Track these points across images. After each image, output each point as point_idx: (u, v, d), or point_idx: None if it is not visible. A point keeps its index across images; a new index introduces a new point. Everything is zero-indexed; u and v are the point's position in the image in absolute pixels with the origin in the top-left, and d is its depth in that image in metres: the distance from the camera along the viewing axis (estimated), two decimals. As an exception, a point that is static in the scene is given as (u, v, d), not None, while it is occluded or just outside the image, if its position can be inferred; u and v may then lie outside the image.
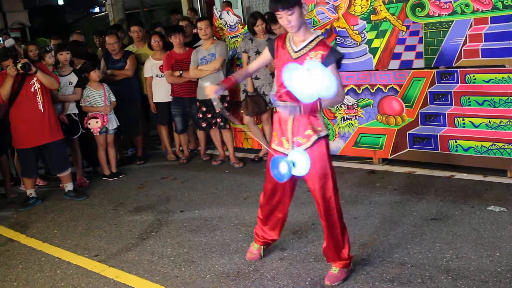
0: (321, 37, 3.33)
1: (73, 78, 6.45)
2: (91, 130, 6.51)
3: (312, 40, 3.30)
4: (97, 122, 6.47)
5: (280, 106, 3.32)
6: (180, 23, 7.71)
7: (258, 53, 6.33)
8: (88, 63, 6.78)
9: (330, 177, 3.43)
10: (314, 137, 3.37)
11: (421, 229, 4.15)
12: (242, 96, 6.59)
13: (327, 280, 3.50)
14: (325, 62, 3.20)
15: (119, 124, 6.70)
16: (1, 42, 8.48)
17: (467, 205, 4.54)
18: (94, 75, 6.48)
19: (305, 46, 3.30)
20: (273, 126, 3.64)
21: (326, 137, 3.44)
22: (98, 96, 6.48)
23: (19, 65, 5.44)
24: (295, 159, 3.23)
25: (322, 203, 3.45)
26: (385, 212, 4.59)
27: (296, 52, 3.32)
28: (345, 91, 6.00)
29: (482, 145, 5.17)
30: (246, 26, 6.60)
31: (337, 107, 6.12)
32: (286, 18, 3.19)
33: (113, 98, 6.61)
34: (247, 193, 5.51)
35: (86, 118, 6.48)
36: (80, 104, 6.49)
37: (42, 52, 6.38)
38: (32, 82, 5.60)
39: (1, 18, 30.75)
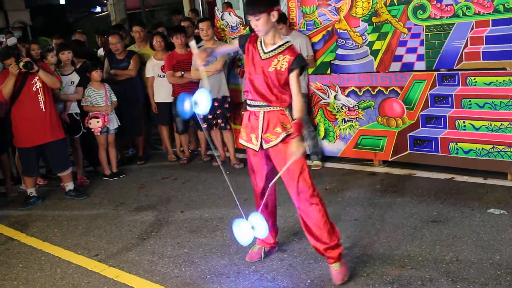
0: (290, 43, 3.54)
1: (75, 78, 6.46)
2: (92, 130, 6.51)
3: (282, 45, 3.50)
4: (98, 122, 6.47)
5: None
6: (182, 24, 7.72)
7: (259, 54, 6.34)
8: (89, 62, 6.79)
9: (304, 172, 3.51)
10: (283, 134, 3.53)
11: (421, 231, 4.16)
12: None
13: (335, 280, 3.52)
14: (291, 67, 3.44)
15: (120, 124, 6.70)
16: (4, 40, 8.48)
17: (467, 207, 4.54)
18: (96, 74, 6.49)
19: (274, 49, 3.50)
20: (242, 122, 3.78)
21: None
22: (100, 96, 6.48)
23: (21, 64, 5.45)
24: (254, 222, 3.50)
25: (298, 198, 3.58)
26: (386, 214, 4.59)
27: (265, 53, 3.53)
28: (346, 93, 6.02)
29: (482, 148, 5.17)
30: (248, 27, 6.61)
31: (338, 108, 6.12)
32: (254, 23, 3.44)
33: (114, 98, 6.61)
34: (247, 194, 5.50)
35: (87, 118, 6.49)
36: (81, 104, 6.50)
37: (44, 51, 6.39)
38: (34, 81, 5.61)
39: (3, 17, 30.75)
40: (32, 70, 5.49)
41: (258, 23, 3.42)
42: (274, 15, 3.42)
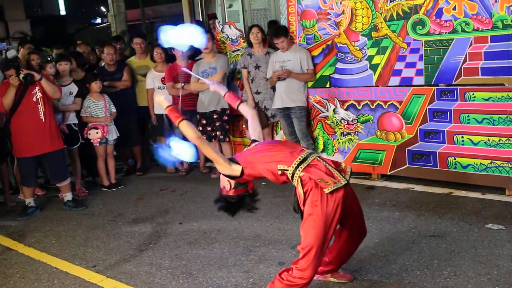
0: None
1: (73, 88, 6.48)
2: (91, 141, 6.52)
3: None
4: (97, 133, 6.49)
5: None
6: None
7: (257, 67, 6.38)
8: (88, 74, 6.83)
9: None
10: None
11: (419, 246, 4.16)
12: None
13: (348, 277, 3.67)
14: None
15: (119, 135, 6.72)
16: (5, 48, 8.53)
17: (465, 222, 4.55)
18: (95, 86, 6.52)
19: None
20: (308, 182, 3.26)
21: None
22: (99, 107, 6.51)
23: (21, 76, 5.48)
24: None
25: None
26: (384, 228, 4.60)
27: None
28: (345, 107, 6.04)
29: (481, 163, 5.19)
30: (246, 41, 6.65)
31: (337, 122, 6.15)
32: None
33: (113, 109, 6.64)
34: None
35: (86, 129, 6.50)
36: (81, 115, 6.52)
37: (43, 62, 6.42)
38: (34, 91, 5.63)
39: (3, 27, 30.87)
40: (33, 80, 5.53)
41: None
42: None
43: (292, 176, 3.18)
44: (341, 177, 3.21)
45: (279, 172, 3.22)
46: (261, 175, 3.31)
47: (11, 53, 5.48)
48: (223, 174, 3.36)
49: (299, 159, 3.20)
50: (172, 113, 3.42)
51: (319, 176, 3.13)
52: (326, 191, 3.10)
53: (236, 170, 3.29)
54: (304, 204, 3.16)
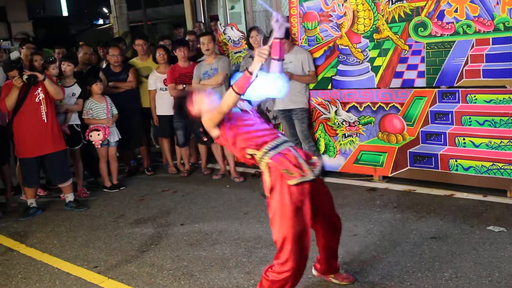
0: None
1: (76, 89, 6.50)
2: (93, 143, 6.54)
3: None
4: (98, 135, 6.50)
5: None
6: (187, 37, 7.78)
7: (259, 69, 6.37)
8: (90, 75, 6.85)
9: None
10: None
11: (420, 248, 4.16)
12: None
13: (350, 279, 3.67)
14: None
15: (120, 137, 6.73)
16: (7, 47, 8.54)
17: (466, 224, 4.55)
18: (96, 87, 6.53)
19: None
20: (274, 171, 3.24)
21: None
22: (101, 109, 6.52)
23: (24, 77, 5.50)
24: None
25: None
26: (385, 230, 4.60)
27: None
28: (346, 109, 6.05)
29: (482, 165, 5.19)
30: (246, 43, 6.66)
31: (338, 124, 6.15)
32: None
33: (115, 111, 6.65)
34: (248, 208, 5.52)
35: (88, 130, 6.52)
36: (83, 116, 6.53)
37: (47, 63, 6.44)
38: (36, 92, 5.65)
39: (6, 28, 30.94)
40: (37, 80, 5.55)
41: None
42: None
43: (260, 161, 3.16)
44: (309, 171, 3.16)
45: (248, 156, 3.20)
46: (229, 147, 3.29)
47: (14, 55, 5.51)
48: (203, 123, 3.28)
49: (271, 145, 3.16)
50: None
51: (285, 167, 3.11)
52: (290, 183, 3.08)
53: (214, 132, 3.26)
54: (270, 192, 3.13)
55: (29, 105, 5.63)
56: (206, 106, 3.29)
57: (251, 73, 3.02)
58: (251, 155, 3.19)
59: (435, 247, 4.14)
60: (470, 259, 3.90)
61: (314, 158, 3.29)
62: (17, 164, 6.32)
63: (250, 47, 6.49)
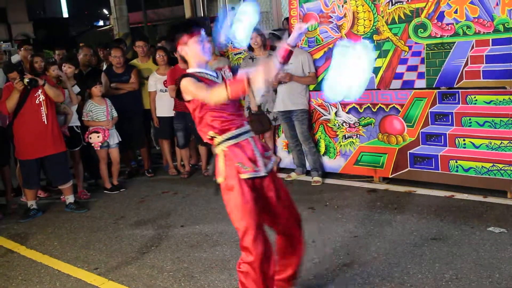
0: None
1: (76, 90, 6.51)
2: (92, 145, 6.54)
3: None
4: (98, 137, 6.50)
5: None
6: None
7: (260, 70, 6.37)
8: (89, 78, 6.86)
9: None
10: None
11: (421, 249, 4.16)
12: (246, 113, 6.63)
13: None
14: (233, 72, 3.32)
15: (120, 140, 6.72)
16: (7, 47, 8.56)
17: (467, 225, 4.55)
18: (95, 90, 6.53)
19: (214, 70, 3.25)
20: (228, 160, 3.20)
21: None
22: (101, 111, 6.52)
23: (25, 80, 5.51)
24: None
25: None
26: (385, 231, 4.60)
27: (217, 78, 3.21)
28: (346, 110, 6.04)
29: (482, 166, 5.19)
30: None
31: (338, 125, 6.15)
32: (208, 43, 3.14)
33: (115, 114, 6.65)
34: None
35: (87, 133, 6.52)
36: (83, 118, 6.54)
37: (47, 64, 6.46)
38: (37, 94, 5.65)
39: (6, 29, 30.95)
40: (36, 86, 5.56)
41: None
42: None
43: (218, 146, 3.14)
44: (263, 167, 3.16)
45: (208, 137, 3.17)
46: (194, 119, 3.21)
47: (15, 58, 5.52)
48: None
49: (232, 133, 3.12)
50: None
51: (239, 160, 3.11)
52: (242, 176, 3.09)
53: (187, 97, 3.13)
54: (224, 179, 3.14)
55: (29, 107, 5.64)
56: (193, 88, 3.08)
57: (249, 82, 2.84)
58: (211, 136, 3.15)
59: (436, 248, 4.14)
60: (471, 260, 3.90)
61: (270, 152, 3.30)
62: (17, 166, 6.32)
63: (250, 48, 6.49)
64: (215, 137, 3.14)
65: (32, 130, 5.69)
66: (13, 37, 29.91)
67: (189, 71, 3.19)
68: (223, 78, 3.23)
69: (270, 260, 3.15)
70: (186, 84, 3.06)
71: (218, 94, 2.92)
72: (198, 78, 3.08)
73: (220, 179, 3.16)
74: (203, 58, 3.16)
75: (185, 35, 3.12)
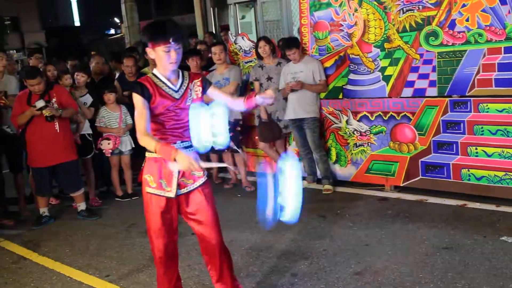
0: (185, 71, 3.30)
1: (88, 99, 6.57)
2: (103, 151, 6.57)
3: (183, 75, 3.23)
4: (108, 144, 6.53)
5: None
6: (198, 47, 7.82)
7: (269, 79, 6.40)
8: (102, 85, 6.91)
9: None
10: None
11: (432, 258, 4.14)
12: (256, 121, 6.64)
13: None
14: (204, 87, 3.27)
15: (133, 146, 6.74)
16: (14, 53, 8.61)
17: (479, 234, 4.52)
18: (107, 97, 6.57)
19: (182, 82, 3.19)
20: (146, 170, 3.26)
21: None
22: (113, 118, 6.56)
23: (46, 114, 5.56)
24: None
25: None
26: (397, 240, 4.58)
27: (177, 91, 3.16)
28: (358, 118, 6.04)
29: (495, 175, 5.16)
30: (256, 54, 6.68)
31: (349, 133, 6.15)
32: (176, 52, 3.07)
33: (129, 121, 6.66)
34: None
35: (100, 139, 6.56)
36: (95, 124, 6.58)
37: (61, 73, 6.52)
38: (50, 103, 5.69)
39: (19, 38, 31.27)
40: (52, 119, 5.64)
41: (178, 53, 3.10)
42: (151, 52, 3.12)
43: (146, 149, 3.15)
44: (174, 190, 3.19)
45: None
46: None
47: (39, 104, 5.57)
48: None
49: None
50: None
51: (149, 172, 3.17)
52: (145, 189, 3.18)
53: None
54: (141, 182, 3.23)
55: (42, 115, 5.68)
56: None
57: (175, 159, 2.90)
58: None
59: (448, 258, 4.12)
60: (483, 270, 3.87)
61: (197, 173, 3.27)
62: (30, 173, 6.37)
63: (259, 57, 6.51)
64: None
65: (45, 138, 5.73)
66: (25, 45, 30.22)
67: (153, 72, 3.19)
68: (183, 96, 3.16)
69: (172, 268, 3.49)
70: (135, 101, 3.08)
71: (146, 143, 2.98)
72: (149, 90, 3.07)
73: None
74: (168, 68, 3.12)
75: (151, 42, 3.10)
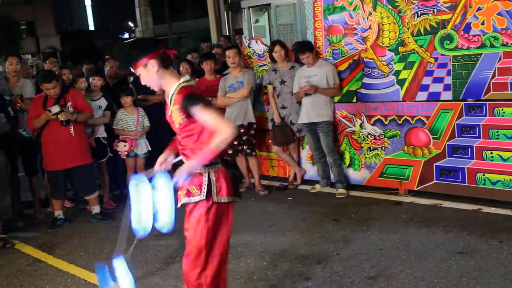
0: (182, 84, 3.06)
1: (103, 103, 6.61)
2: (119, 153, 6.61)
3: (174, 89, 3.08)
4: (125, 146, 6.56)
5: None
6: (214, 51, 7.85)
7: (283, 83, 6.41)
8: (117, 89, 6.95)
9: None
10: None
11: (447, 263, 4.11)
12: (269, 125, 6.65)
13: None
14: (182, 111, 3.01)
15: (150, 149, 6.75)
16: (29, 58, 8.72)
17: (495, 239, 4.48)
18: (124, 101, 6.61)
19: (171, 97, 3.11)
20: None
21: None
22: (131, 121, 6.58)
23: (62, 119, 5.63)
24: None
25: None
26: (411, 244, 4.55)
27: (169, 103, 3.15)
28: (371, 122, 6.02)
29: (510, 179, 5.11)
30: (270, 58, 6.69)
31: (363, 137, 6.13)
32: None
33: (146, 123, 6.67)
34: (272, 221, 5.52)
35: (116, 141, 6.59)
36: (113, 127, 6.61)
37: (76, 76, 6.58)
38: (66, 107, 5.74)
39: (34, 42, 31.58)
40: (68, 124, 5.70)
41: (142, 75, 3.15)
42: (153, 64, 3.06)
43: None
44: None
45: None
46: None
47: (54, 109, 5.65)
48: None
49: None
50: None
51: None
52: (215, 199, 3.33)
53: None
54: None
55: (57, 119, 5.73)
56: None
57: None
58: None
59: (463, 262, 4.09)
60: (499, 275, 3.83)
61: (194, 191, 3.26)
62: (45, 176, 6.43)
63: (273, 60, 6.52)
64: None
65: (60, 141, 5.77)
66: (41, 50, 30.50)
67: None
68: (170, 116, 3.21)
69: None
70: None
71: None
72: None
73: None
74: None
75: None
